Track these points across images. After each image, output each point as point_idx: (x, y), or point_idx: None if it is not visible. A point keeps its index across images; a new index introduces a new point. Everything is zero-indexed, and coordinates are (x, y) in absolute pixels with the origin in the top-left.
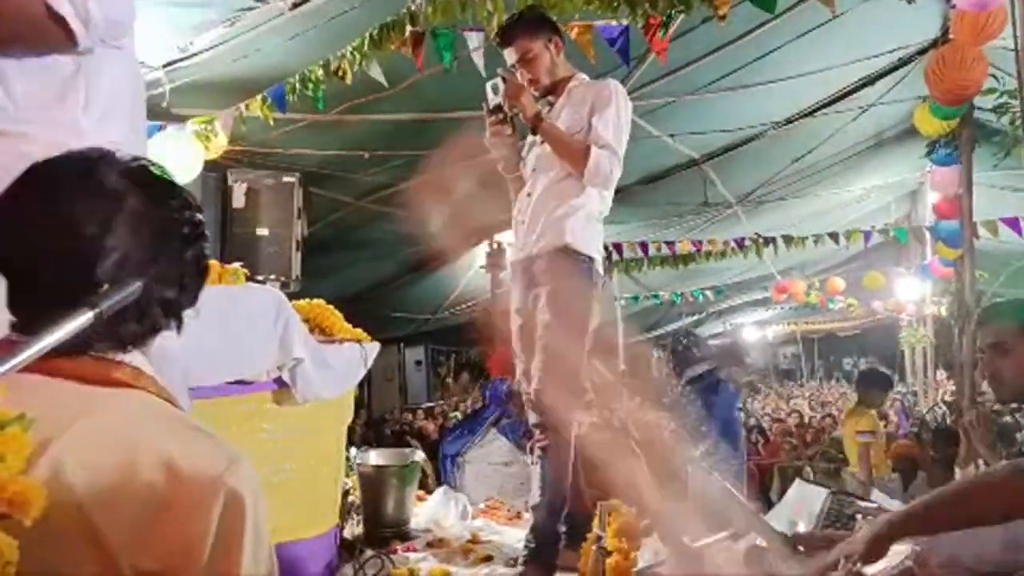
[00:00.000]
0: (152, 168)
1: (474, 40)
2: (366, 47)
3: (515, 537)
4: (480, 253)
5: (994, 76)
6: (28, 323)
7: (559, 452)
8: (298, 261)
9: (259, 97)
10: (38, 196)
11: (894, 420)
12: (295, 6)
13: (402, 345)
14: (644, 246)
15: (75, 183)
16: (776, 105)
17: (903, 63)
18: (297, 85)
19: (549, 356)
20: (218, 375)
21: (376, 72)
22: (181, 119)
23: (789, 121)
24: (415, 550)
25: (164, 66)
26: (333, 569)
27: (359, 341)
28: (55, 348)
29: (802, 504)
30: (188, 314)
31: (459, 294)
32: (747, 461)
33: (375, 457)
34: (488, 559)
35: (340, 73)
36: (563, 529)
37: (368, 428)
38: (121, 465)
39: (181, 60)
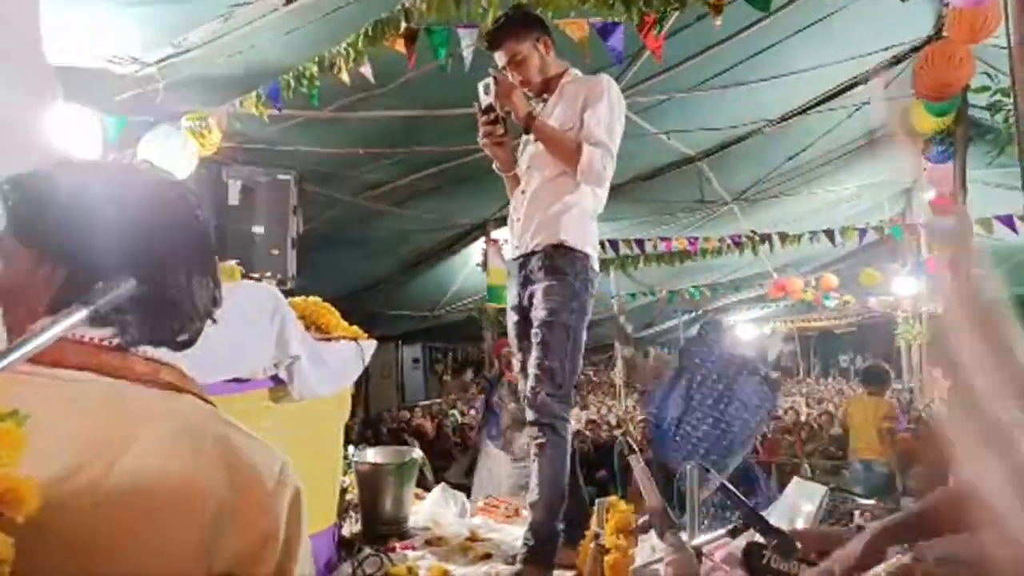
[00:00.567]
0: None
1: (468, 37)
2: (360, 44)
3: (513, 535)
4: (477, 251)
5: (987, 75)
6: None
7: (556, 449)
8: (294, 259)
9: (254, 94)
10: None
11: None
12: (289, 2)
13: (399, 343)
14: (640, 243)
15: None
16: (771, 103)
17: (897, 61)
18: (292, 82)
19: (545, 352)
20: (214, 373)
21: (367, 71)
22: (175, 116)
23: (784, 119)
24: (413, 548)
25: (157, 62)
26: (331, 567)
27: (356, 339)
28: (102, 343)
29: (800, 501)
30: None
31: (456, 292)
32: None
33: (373, 455)
34: (487, 557)
35: (335, 70)
36: (561, 527)
37: (366, 426)
38: (191, 470)
39: (175, 56)
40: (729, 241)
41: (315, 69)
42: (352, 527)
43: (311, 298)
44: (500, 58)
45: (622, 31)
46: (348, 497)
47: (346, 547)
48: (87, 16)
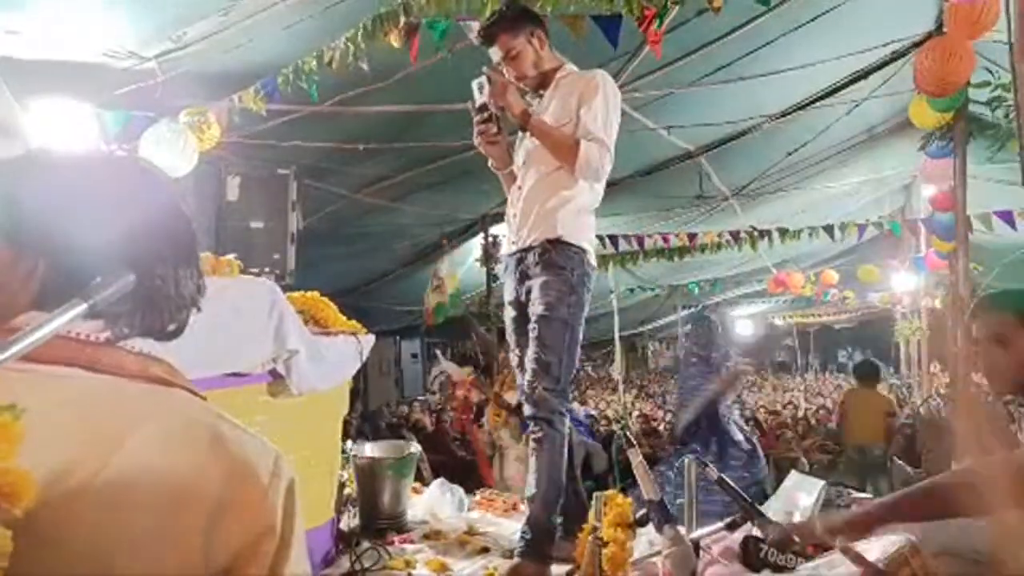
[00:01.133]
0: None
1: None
2: (360, 38)
3: (511, 529)
4: (476, 246)
5: (988, 70)
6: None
7: (554, 444)
8: (293, 254)
9: (252, 89)
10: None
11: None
12: None
13: (398, 338)
14: (639, 238)
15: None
16: (771, 98)
17: (897, 56)
18: (291, 76)
19: (542, 347)
20: (212, 367)
21: (365, 65)
22: (174, 110)
23: (784, 114)
24: (412, 542)
25: (157, 56)
26: (330, 561)
27: (354, 334)
28: (90, 338)
29: (798, 495)
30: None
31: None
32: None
33: (371, 449)
34: (485, 551)
35: (333, 64)
36: (559, 520)
37: (364, 421)
38: (186, 466)
39: (174, 51)
40: (728, 236)
41: (314, 64)
42: (350, 521)
43: (310, 293)
44: (495, 53)
45: (621, 23)
46: (346, 491)
47: (344, 541)
48: (87, 9)
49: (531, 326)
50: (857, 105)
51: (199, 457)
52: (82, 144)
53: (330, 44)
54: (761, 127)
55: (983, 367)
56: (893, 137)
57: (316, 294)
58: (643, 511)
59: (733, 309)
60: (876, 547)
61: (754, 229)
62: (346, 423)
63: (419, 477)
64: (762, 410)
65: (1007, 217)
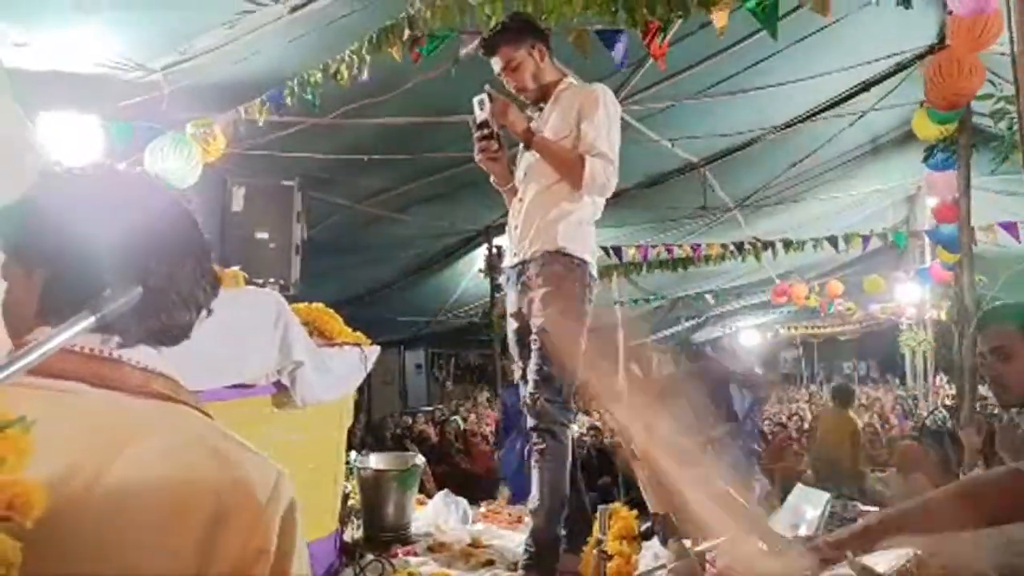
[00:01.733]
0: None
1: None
2: (364, 51)
3: (516, 541)
4: (479, 257)
5: (991, 82)
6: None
7: (557, 455)
8: (297, 265)
9: (257, 100)
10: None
11: (895, 424)
12: (294, 9)
13: (402, 348)
14: (643, 249)
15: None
16: (774, 110)
17: (900, 68)
18: (295, 88)
19: (544, 359)
20: (217, 379)
21: (367, 76)
22: (180, 122)
23: (787, 126)
24: (415, 554)
25: (163, 69)
26: (333, 573)
27: (359, 345)
28: (94, 351)
29: (804, 507)
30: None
31: (458, 298)
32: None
33: (375, 461)
34: (489, 563)
35: (338, 77)
36: (563, 533)
37: (368, 432)
38: (181, 483)
39: (180, 63)
40: (732, 248)
41: (319, 76)
42: (354, 533)
43: (314, 304)
44: (496, 64)
45: (625, 37)
46: (350, 503)
47: (348, 553)
48: (93, 22)
49: (533, 338)
50: (860, 117)
51: (197, 472)
52: (88, 157)
53: (335, 57)
54: (764, 138)
55: (988, 379)
56: (897, 149)
57: (321, 305)
58: (648, 524)
59: (736, 321)
60: (882, 560)
61: (758, 240)
62: (350, 434)
63: (423, 489)
64: (768, 422)
65: (1011, 228)
